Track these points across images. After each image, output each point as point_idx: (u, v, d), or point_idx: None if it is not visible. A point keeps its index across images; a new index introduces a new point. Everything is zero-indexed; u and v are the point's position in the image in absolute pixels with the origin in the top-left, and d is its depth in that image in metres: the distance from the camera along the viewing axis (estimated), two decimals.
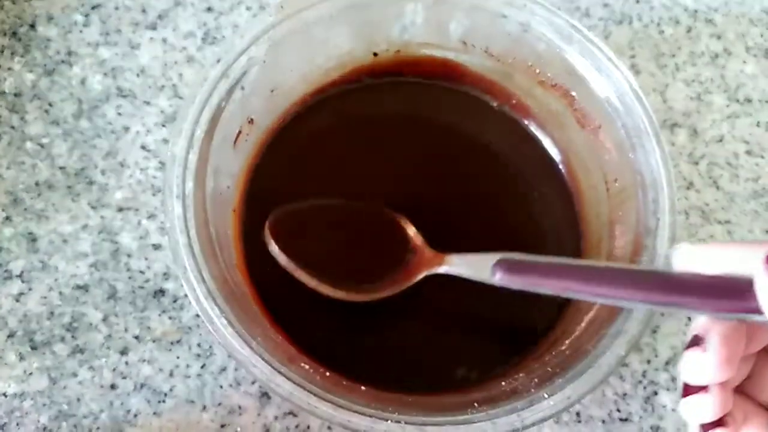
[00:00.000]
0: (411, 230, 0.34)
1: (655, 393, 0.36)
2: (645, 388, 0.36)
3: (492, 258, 0.29)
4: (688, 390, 0.23)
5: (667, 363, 0.37)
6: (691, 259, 0.23)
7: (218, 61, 0.32)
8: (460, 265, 0.31)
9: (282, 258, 0.32)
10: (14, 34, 0.41)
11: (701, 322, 0.23)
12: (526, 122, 0.38)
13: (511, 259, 0.29)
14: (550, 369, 0.29)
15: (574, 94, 0.35)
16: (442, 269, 0.32)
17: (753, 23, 0.45)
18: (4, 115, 0.39)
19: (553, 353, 0.31)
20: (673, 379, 0.37)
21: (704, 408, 0.23)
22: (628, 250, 0.32)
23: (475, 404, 0.28)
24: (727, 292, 0.21)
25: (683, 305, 0.23)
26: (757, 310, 0.20)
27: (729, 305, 0.21)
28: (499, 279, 0.29)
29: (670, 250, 0.24)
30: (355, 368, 0.31)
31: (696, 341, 0.23)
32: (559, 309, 0.34)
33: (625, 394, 0.36)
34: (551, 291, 0.27)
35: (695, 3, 0.45)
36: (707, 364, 0.22)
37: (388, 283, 0.32)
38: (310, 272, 0.32)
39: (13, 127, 0.39)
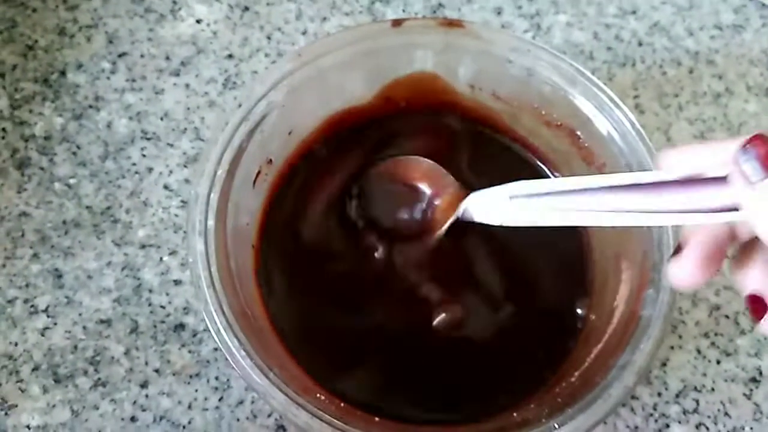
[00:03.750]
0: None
1: (667, 426, 0.37)
2: (656, 421, 0.37)
3: (506, 192, 0.31)
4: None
5: (677, 396, 0.37)
6: (671, 159, 0.24)
7: (239, 105, 0.34)
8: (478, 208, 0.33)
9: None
10: (45, 80, 0.43)
11: (683, 232, 0.25)
12: (535, 160, 0.39)
13: (523, 192, 0.30)
14: (560, 400, 0.30)
15: (579, 133, 0.37)
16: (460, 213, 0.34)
17: (753, 63, 0.47)
18: (34, 157, 0.41)
19: (563, 384, 0.31)
20: (685, 412, 0.37)
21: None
22: (634, 285, 0.33)
23: None
24: (705, 190, 0.23)
25: (665, 210, 0.24)
26: (733, 208, 0.22)
27: (708, 203, 0.23)
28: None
29: (656, 155, 0.25)
30: (368, 400, 0.32)
31: (678, 249, 0.25)
32: (569, 341, 0.34)
33: (636, 427, 0.36)
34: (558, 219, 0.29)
35: (696, 45, 0.47)
36: (686, 267, 0.24)
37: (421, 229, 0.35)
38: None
39: (42, 168, 0.41)
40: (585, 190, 0.27)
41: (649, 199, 0.25)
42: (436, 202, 0.36)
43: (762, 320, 0.24)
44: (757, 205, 0.21)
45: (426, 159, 0.37)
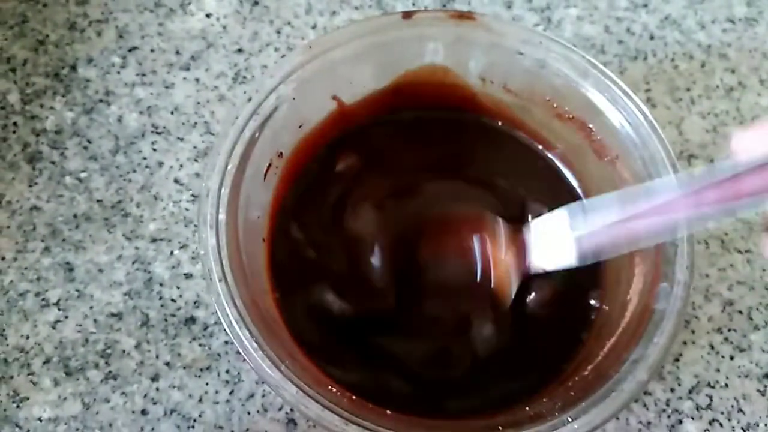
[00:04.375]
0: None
1: (680, 422, 0.36)
2: (669, 416, 0.36)
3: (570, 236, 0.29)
4: None
5: (690, 391, 0.37)
6: (745, 142, 0.24)
7: (249, 99, 0.34)
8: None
9: None
10: (56, 75, 0.43)
11: None
12: (548, 154, 0.39)
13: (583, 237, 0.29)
14: (573, 394, 0.30)
15: (591, 126, 0.36)
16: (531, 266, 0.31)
17: (766, 57, 0.46)
18: (45, 151, 0.41)
19: (577, 379, 0.31)
20: (698, 408, 0.37)
21: None
22: (648, 279, 0.32)
23: (500, 428, 0.28)
24: None
25: (749, 198, 0.24)
26: None
27: None
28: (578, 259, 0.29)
29: (731, 134, 0.24)
30: (380, 393, 0.32)
31: None
32: (582, 335, 0.34)
33: (649, 423, 0.36)
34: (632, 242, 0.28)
35: (708, 38, 0.47)
36: None
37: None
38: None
39: (53, 163, 0.41)
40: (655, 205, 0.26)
41: (729, 192, 0.24)
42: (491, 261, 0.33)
43: None
44: None
45: (479, 212, 0.34)
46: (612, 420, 0.29)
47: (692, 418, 0.36)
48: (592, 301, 0.35)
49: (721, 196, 0.24)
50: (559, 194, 0.38)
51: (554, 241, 0.30)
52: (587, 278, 0.35)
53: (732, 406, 0.37)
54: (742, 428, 0.36)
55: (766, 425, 0.37)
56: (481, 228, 0.34)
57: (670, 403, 0.37)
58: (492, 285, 0.33)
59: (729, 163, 0.24)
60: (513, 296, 0.33)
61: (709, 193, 0.25)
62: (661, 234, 0.28)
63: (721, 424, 0.36)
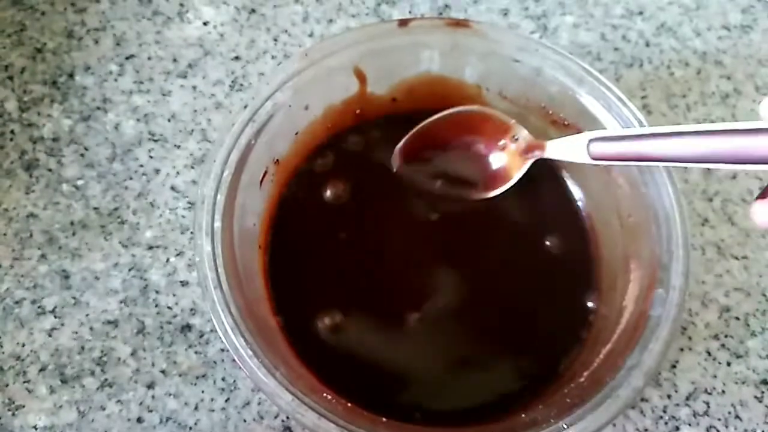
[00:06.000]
0: (512, 124, 0.37)
1: (677, 428, 0.36)
2: (666, 423, 0.36)
3: (584, 138, 0.33)
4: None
5: (687, 398, 0.37)
6: None
7: (245, 106, 0.34)
8: (558, 150, 0.35)
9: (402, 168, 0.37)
10: (54, 83, 0.43)
11: None
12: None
13: (602, 136, 0.33)
14: (569, 400, 0.30)
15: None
16: (545, 154, 0.36)
17: (761, 64, 0.46)
18: (42, 158, 0.41)
19: (572, 385, 0.31)
20: (695, 415, 0.37)
21: None
22: (644, 284, 0.33)
23: None
24: None
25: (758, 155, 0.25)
26: None
27: None
28: (594, 155, 0.32)
29: (759, 102, 0.26)
30: (375, 401, 0.32)
31: (764, 193, 0.26)
32: (578, 341, 0.34)
33: (646, 430, 0.36)
34: (644, 160, 0.30)
35: (704, 45, 0.47)
36: None
37: (495, 178, 0.37)
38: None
39: (50, 170, 0.41)
40: (672, 134, 0.28)
41: (744, 144, 0.25)
42: (498, 153, 0.37)
43: None
44: None
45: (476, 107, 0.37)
46: (608, 426, 0.29)
47: (689, 425, 0.36)
48: (590, 304, 0.35)
49: (734, 143, 0.26)
50: (559, 199, 0.38)
51: (570, 141, 0.34)
52: (582, 279, 0.35)
53: (729, 413, 0.37)
54: None
55: None
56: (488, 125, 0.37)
57: (667, 410, 0.37)
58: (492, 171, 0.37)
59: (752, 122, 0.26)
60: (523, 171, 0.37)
61: (723, 139, 0.26)
62: (668, 161, 0.30)
63: (718, 431, 0.36)
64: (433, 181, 0.38)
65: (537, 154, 0.36)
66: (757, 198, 0.27)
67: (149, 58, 0.44)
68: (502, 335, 0.35)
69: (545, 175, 0.38)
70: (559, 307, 0.35)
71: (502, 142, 0.37)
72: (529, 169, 0.37)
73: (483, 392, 0.33)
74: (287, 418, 0.35)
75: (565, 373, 0.33)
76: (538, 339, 0.35)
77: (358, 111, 0.39)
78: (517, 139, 0.37)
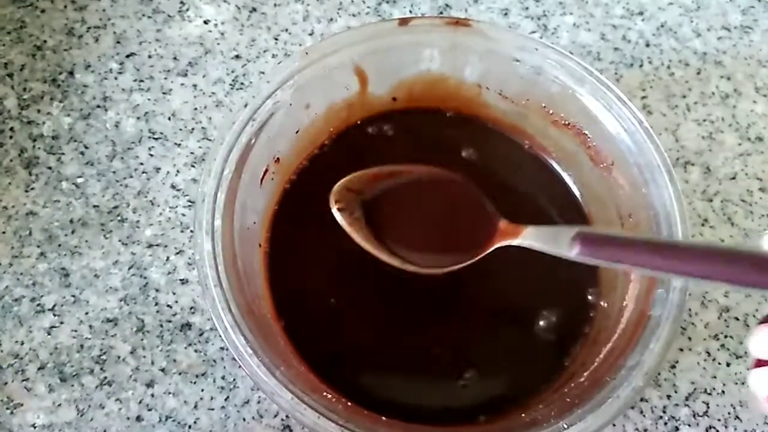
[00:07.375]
0: (486, 202, 0.33)
1: (677, 429, 0.36)
2: (666, 423, 0.36)
3: (570, 231, 0.28)
4: (759, 363, 0.23)
5: (687, 398, 0.37)
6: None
7: (246, 105, 0.34)
8: (536, 238, 0.30)
9: (341, 220, 0.32)
10: (54, 80, 0.43)
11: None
12: (549, 161, 0.39)
13: (589, 233, 0.28)
14: (569, 400, 0.30)
15: (587, 132, 0.37)
16: (516, 241, 0.31)
17: (761, 64, 0.47)
18: (42, 156, 0.41)
19: (573, 384, 0.31)
20: (695, 415, 0.37)
21: None
22: (644, 284, 0.33)
23: None
24: None
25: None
26: None
27: None
28: (576, 253, 0.27)
29: (761, 235, 0.24)
30: (375, 400, 0.32)
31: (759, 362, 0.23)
32: (578, 341, 0.34)
33: (645, 430, 0.36)
34: (630, 266, 0.27)
35: (704, 46, 0.47)
36: None
37: (458, 253, 0.32)
38: (367, 237, 0.32)
39: (50, 168, 0.41)
40: (667, 251, 0.25)
41: (745, 275, 0.23)
42: (475, 229, 0.33)
43: None
44: None
45: (467, 182, 0.34)
46: (608, 426, 0.29)
47: (689, 425, 0.36)
48: (590, 297, 0.35)
49: (731, 271, 0.24)
50: (562, 200, 0.38)
51: (552, 231, 0.30)
52: (584, 275, 0.35)
53: (729, 413, 0.37)
54: None
55: None
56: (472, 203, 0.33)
57: (667, 410, 0.37)
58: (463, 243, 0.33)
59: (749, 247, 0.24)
60: (487, 252, 0.32)
61: (723, 266, 0.24)
62: (654, 273, 0.28)
63: (717, 431, 0.36)
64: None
65: (508, 241, 0.32)
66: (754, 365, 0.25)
67: (150, 56, 0.44)
68: (503, 334, 0.35)
69: (545, 175, 0.39)
70: (561, 304, 0.35)
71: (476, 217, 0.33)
72: (529, 170, 0.37)
73: (484, 392, 0.33)
74: (287, 416, 0.35)
75: (565, 373, 0.33)
76: (540, 336, 0.35)
77: (358, 109, 0.38)
78: (492, 221, 0.33)
